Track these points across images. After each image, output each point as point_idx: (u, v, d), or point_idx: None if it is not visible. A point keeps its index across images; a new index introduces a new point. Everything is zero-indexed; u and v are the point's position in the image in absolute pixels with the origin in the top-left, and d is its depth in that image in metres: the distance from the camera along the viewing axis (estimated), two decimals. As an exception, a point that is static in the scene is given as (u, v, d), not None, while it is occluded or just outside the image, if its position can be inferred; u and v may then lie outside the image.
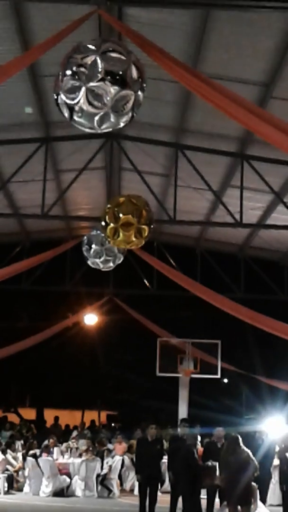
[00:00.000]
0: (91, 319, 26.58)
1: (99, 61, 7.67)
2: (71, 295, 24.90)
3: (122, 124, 8.12)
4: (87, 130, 8.11)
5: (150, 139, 16.56)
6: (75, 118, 7.93)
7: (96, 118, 7.83)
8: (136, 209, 11.80)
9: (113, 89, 7.66)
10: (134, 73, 7.84)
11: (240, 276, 22.97)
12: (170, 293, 22.95)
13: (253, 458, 11.22)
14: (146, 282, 23.36)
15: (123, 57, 7.84)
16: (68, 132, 15.49)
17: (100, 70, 7.62)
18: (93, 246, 15.77)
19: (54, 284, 23.73)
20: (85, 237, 16.28)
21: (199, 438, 12.56)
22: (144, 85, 8.06)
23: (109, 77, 7.64)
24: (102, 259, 15.64)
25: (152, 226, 12.03)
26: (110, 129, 8.26)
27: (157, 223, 15.75)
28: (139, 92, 7.95)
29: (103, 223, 12.09)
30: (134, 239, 11.80)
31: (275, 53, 12.23)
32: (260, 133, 9.10)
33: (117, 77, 7.69)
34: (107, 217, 11.95)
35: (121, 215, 11.73)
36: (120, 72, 7.72)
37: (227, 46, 12.36)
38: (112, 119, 7.86)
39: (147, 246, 19.65)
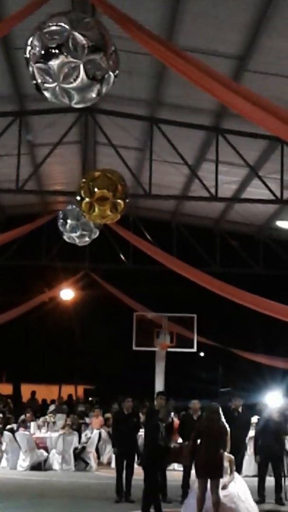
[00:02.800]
0: (67, 294, 26.58)
1: (36, 37, 7.55)
2: (47, 270, 24.85)
3: (90, 98, 7.93)
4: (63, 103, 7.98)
5: (125, 113, 16.45)
6: (45, 93, 7.83)
7: (54, 92, 7.68)
8: (112, 184, 11.73)
9: (55, 63, 7.51)
10: (78, 42, 7.60)
11: (216, 250, 23.03)
12: (146, 267, 22.96)
13: (228, 430, 11.32)
14: (122, 256, 23.35)
15: (65, 27, 7.64)
16: (42, 105, 15.32)
17: (40, 46, 7.50)
18: (69, 220, 15.70)
19: (30, 259, 23.64)
20: (60, 212, 16.21)
21: (172, 414, 12.64)
22: (95, 55, 7.80)
23: (50, 51, 7.51)
24: (78, 233, 15.59)
25: (127, 201, 11.98)
26: (82, 104, 8.11)
27: (132, 198, 15.73)
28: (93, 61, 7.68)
29: (78, 198, 12.02)
30: (109, 213, 11.75)
31: (251, 25, 12.12)
32: (234, 107, 9.08)
33: (55, 50, 7.53)
34: (82, 191, 11.87)
35: (96, 189, 11.66)
36: (55, 45, 7.55)
37: (201, 18, 12.25)
38: (74, 92, 7.67)
39: (123, 221, 19.58)
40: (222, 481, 11.01)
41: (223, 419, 11.30)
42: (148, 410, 15.93)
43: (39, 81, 7.64)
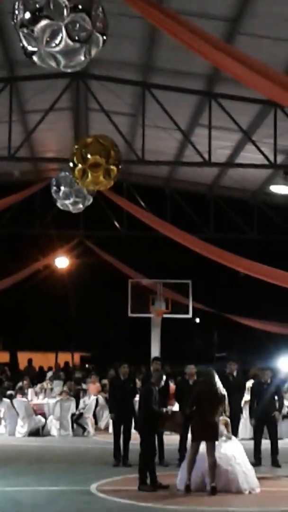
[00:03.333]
0: (62, 262, 26.58)
1: (21, 1, 7.43)
2: (42, 238, 24.80)
3: (78, 61, 7.80)
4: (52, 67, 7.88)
5: (116, 78, 16.32)
6: (33, 58, 7.73)
7: (41, 56, 7.57)
8: (104, 150, 11.64)
9: (37, 26, 7.39)
10: (59, 3, 7.44)
11: (210, 216, 23.01)
12: (141, 234, 22.97)
13: (224, 394, 11.43)
14: (116, 223, 23.33)
15: None
16: (33, 71, 15.17)
17: (24, 10, 7.38)
18: (62, 188, 15.58)
19: (24, 227, 23.60)
20: (53, 179, 16.10)
21: (164, 377, 12.73)
22: (78, 17, 7.63)
23: (32, 14, 7.38)
24: (71, 200, 15.50)
25: (120, 167, 11.90)
26: (71, 68, 7.99)
27: (125, 164, 15.63)
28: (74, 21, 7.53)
29: (71, 164, 11.94)
30: (102, 179, 11.69)
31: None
32: (227, 69, 9.02)
33: (37, 13, 7.41)
34: (75, 158, 11.79)
35: (89, 156, 11.57)
36: (37, 8, 7.42)
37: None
38: (60, 56, 7.55)
39: (116, 188, 19.56)
40: (218, 444, 11.17)
41: (220, 384, 11.40)
42: (145, 375, 16.04)
43: (26, 45, 7.53)
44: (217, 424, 11.16)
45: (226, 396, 11.61)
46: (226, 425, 11.58)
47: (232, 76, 8.97)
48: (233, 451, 11.23)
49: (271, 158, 16.64)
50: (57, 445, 17.24)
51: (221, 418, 11.45)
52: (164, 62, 15.30)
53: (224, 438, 11.29)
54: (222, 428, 11.43)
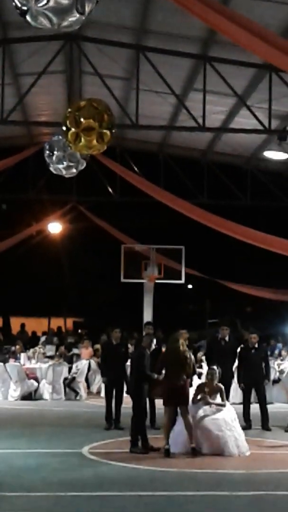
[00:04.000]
0: (55, 227, 26.55)
1: None
2: (35, 203, 24.72)
3: (72, 20, 7.63)
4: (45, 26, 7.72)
5: (110, 41, 16.10)
6: (26, 18, 7.57)
7: (33, 15, 7.41)
8: (98, 113, 11.53)
9: None
10: None
11: (203, 182, 22.93)
12: (134, 199, 22.89)
13: (190, 357, 11.54)
14: (109, 189, 23.24)
15: None
16: (26, 33, 14.96)
17: None
18: (55, 152, 15.44)
19: (16, 192, 23.48)
20: (46, 143, 15.96)
21: (154, 341, 12.82)
22: None
23: None
24: (64, 165, 15.36)
25: (114, 131, 11.81)
26: (65, 27, 7.84)
27: (119, 128, 15.54)
28: None
29: (64, 128, 11.84)
30: (96, 143, 11.59)
31: None
32: (226, 33, 8.87)
33: None
34: (68, 121, 11.68)
35: (82, 119, 11.47)
36: None
37: None
38: (52, 14, 7.38)
39: (110, 153, 19.48)
40: (210, 409, 11.32)
41: (186, 348, 11.56)
42: (137, 340, 16.10)
43: (18, 4, 7.38)
44: (187, 386, 11.36)
45: (193, 359, 11.82)
46: (220, 392, 11.69)
47: (231, 40, 8.84)
48: (225, 416, 11.35)
49: (266, 123, 16.51)
50: (50, 408, 17.36)
51: (216, 385, 11.60)
52: (158, 25, 15.10)
53: (215, 408, 11.43)
54: (217, 395, 11.59)
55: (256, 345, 14.72)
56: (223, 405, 11.58)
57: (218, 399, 11.62)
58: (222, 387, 11.88)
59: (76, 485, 8.96)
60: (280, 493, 8.85)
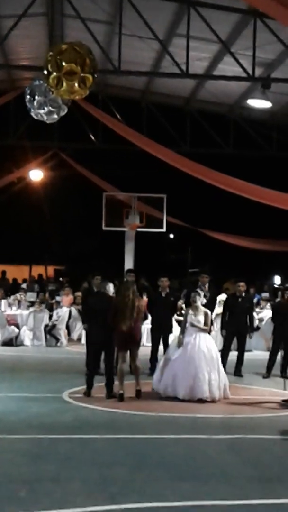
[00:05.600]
0: (36, 174, 26.36)
1: None
2: (16, 149, 24.44)
3: None
4: None
5: (93, -17, 15.79)
6: None
7: None
8: (80, 57, 11.40)
9: None
10: None
11: (186, 130, 22.77)
12: (116, 147, 22.74)
13: (138, 304, 11.76)
14: (91, 136, 23.03)
15: None
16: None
17: None
18: (36, 97, 15.24)
19: (-3, 138, 23.23)
20: (27, 88, 15.72)
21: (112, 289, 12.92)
22: None
23: None
24: (46, 110, 15.17)
25: (96, 76, 11.69)
26: None
27: (101, 74, 15.35)
28: None
29: (45, 72, 11.69)
30: (77, 88, 11.49)
31: None
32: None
33: None
34: (49, 65, 11.53)
35: (64, 63, 11.33)
36: None
37: None
38: None
39: (92, 99, 19.28)
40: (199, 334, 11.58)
41: (137, 294, 11.92)
42: (117, 288, 16.13)
43: None
44: (139, 332, 11.87)
45: (142, 306, 12.12)
46: (206, 315, 11.83)
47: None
48: (202, 358, 11.45)
49: (250, 70, 16.34)
50: (31, 355, 17.51)
51: (202, 309, 11.89)
52: None
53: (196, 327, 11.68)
54: (201, 318, 11.77)
55: (243, 294, 14.85)
56: (206, 330, 11.74)
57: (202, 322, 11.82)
58: (208, 311, 12.05)
59: (56, 428, 9.11)
60: (256, 436, 9.05)
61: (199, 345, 11.57)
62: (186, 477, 7.00)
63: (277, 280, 35.05)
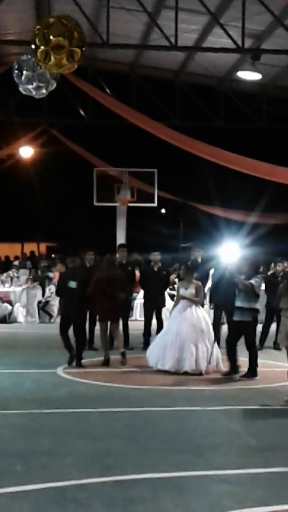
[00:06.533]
0: (26, 151, 26.19)
1: None
2: (4, 125, 24.24)
3: None
4: None
5: None
6: None
7: None
8: (67, 30, 11.25)
9: None
10: None
11: (176, 103, 22.66)
12: (106, 121, 22.62)
13: (122, 279, 12.29)
14: (81, 111, 22.88)
15: None
16: None
17: None
18: (24, 72, 15.10)
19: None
20: (15, 63, 15.57)
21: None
22: None
23: None
24: (34, 85, 15.05)
25: (84, 49, 11.56)
26: None
27: (90, 47, 15.15)
28: None
29: (33, 46, 11.55)
30: (66, 62, 11.35)
31: None
32: None
33: None
34: (37, 39, 11.38)
35: (51, 37, 11.20)
36: None
37: None
38: None
39: (81, 73, 19.13)
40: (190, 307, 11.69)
41: (117, 271, 12.52)
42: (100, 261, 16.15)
43: None
44: (120, 305, 12.35)
45: (124, 280, 12.51)
46: (197, 288, 11.86)
47: None
48: (190, 331, 11.50)
49: (239, 42, 16.21)
50: (24, 331, 17.54)
51: (194, 282, 12.00)
52: None
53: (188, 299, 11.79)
54: (193, 291, 11.84)
55: (282, 274, 15.02)
56: (197, 302, 11.79)
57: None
58: (200, 283, 12.15)
59: (51, 403, 9.14)
60: (248, 407, 9.12)
61: (189, 318, 11.61)
62: (181, 449, 7.06)
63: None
